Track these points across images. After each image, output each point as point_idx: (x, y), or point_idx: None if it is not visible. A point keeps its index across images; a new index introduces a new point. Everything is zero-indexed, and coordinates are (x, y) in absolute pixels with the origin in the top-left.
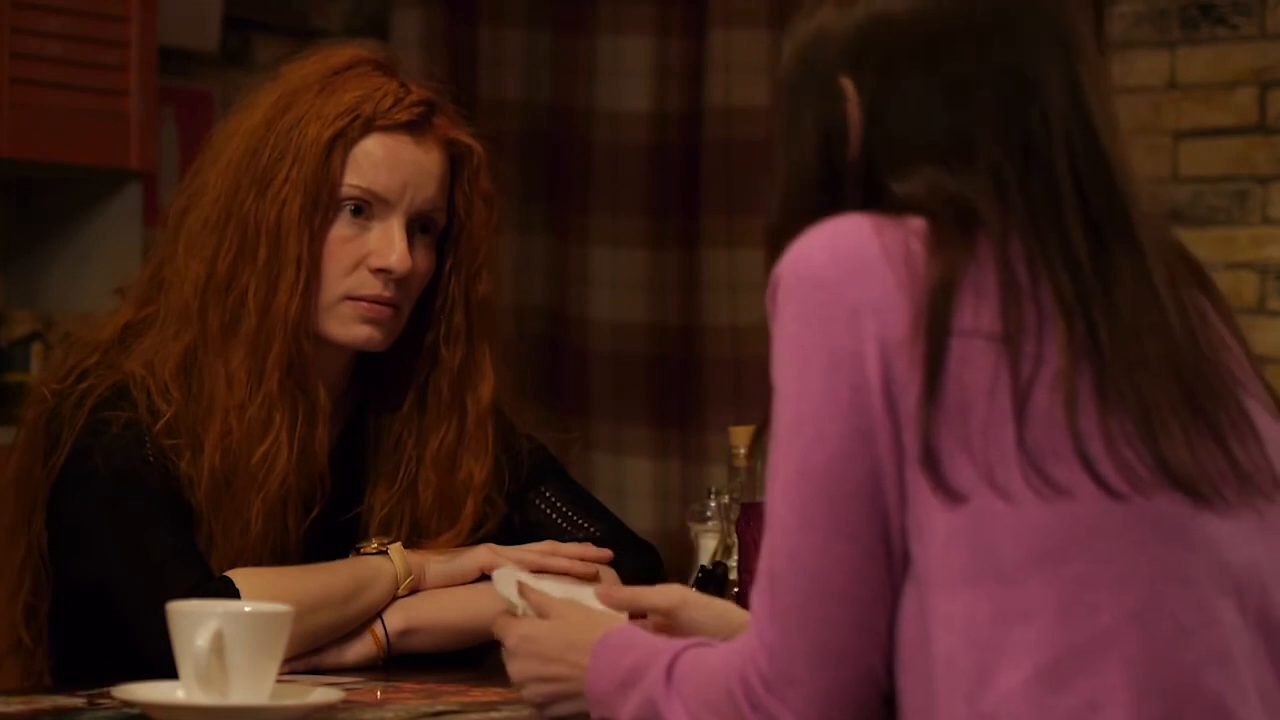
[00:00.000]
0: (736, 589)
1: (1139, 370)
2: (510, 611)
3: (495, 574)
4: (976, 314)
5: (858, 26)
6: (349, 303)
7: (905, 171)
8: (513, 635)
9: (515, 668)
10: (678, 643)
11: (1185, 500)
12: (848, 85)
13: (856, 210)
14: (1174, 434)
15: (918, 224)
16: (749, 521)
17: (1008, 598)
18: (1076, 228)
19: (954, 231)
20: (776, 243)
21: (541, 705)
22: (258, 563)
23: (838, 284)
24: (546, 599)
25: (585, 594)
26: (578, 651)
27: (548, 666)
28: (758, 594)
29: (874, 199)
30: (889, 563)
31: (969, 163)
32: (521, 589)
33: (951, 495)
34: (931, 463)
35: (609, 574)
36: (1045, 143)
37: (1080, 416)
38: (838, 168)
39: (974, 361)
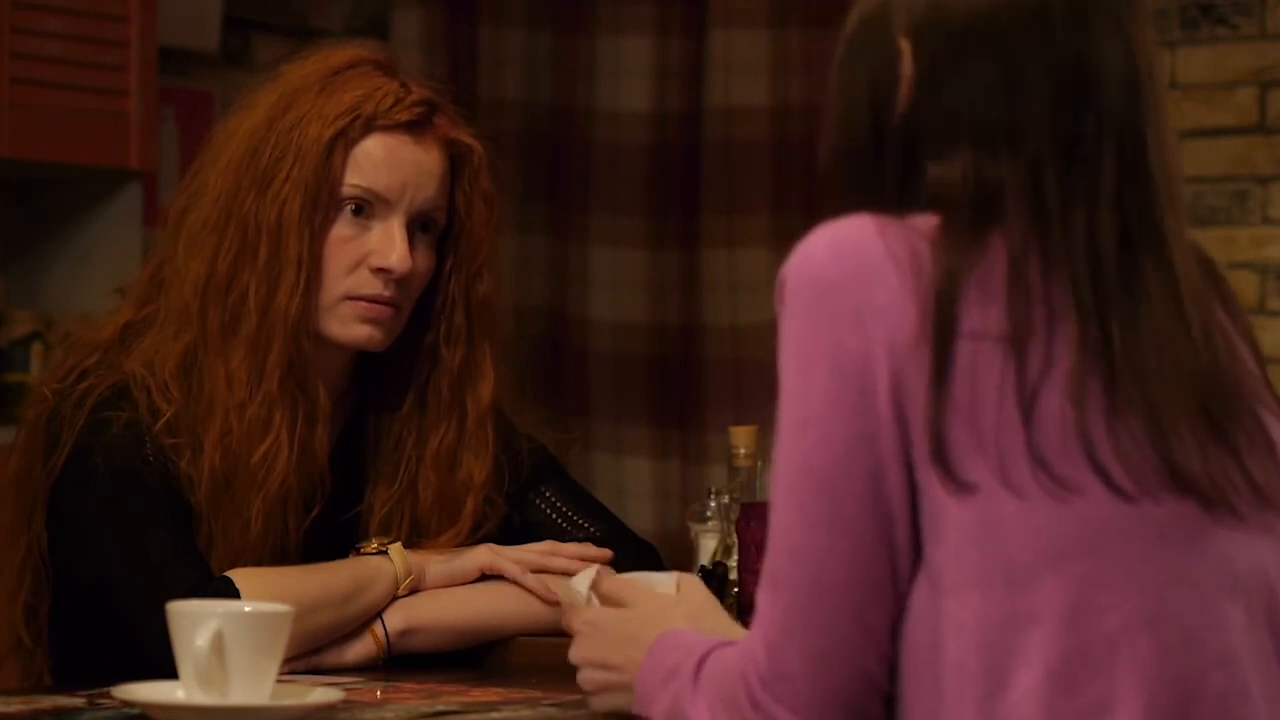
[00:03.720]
0: (736, 589)
1: (1152, 379)
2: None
3: (575, 580)
4: (985, 315)
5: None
6: (349, 302)
7: (946, 145)
8: (579, 619)
9: (576, 650)
10: (712, 641)
11: (1195, 507)
12: (905, 46)
13: (893, 176)
14: (1186, 440)
15: (924, 223)
16: (749, 521)
17: (1017, 600)
18: (1108, 233)
19: (965, 229)
20: (829, 200)
21: (592, 691)
22: (258, 563)
23: (842, 285)
24: (624, 586)
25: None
26: (635, 646)
27: (605, 655)
28: (760, 591)
29: (908, 169)
30: (892, 565)
31: (1013, 150)
32: (596, 582)
33: (963, 489)
34: (943, 459)
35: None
36: (1095, 143)
37: (1089, 417)
38: (883, 128)
39: (984, 364)
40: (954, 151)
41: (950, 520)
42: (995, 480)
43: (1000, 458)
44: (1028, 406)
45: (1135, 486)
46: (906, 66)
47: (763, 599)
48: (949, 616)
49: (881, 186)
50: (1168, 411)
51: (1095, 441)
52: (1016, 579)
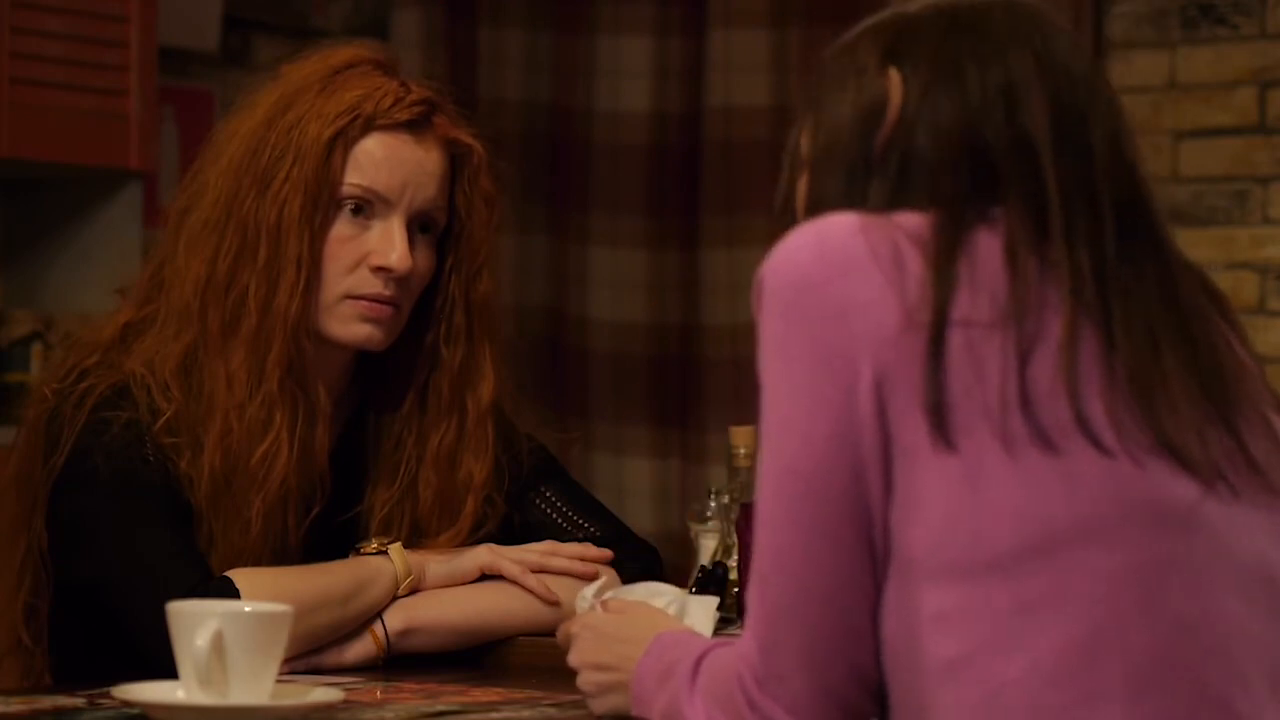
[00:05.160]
0: (736, 589)
1: (1149, 361)
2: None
3: (586, 588)
4: (974, 303)
5: (916, 14)
6: (349, 302)
7: (942, 164)
8: (577, 623)
9: (573, 653)
10: (710, 641)
11: (1192, 486)
12: (894, 75)
13: (881, 193)
14: (1182, 417)
15: (907, 220)
16: (749, 521)
17: (1004, 591)
18: (1109, 241)
19: (955, 227)
20: (791, 221)
21: (591, 694)
22: (257, 562)
23: (824, 284)
24: (622, 602)
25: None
26: (631, 645)
27: (600, 655)
28: (750, 592)
29: (897, 184)
30: (874, 564)
31: (1014, 168)
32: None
33: (955, 453)
34: (939, 425)
35: (609, 574)
36: (1089, 157)
37: (1082, 392)
38: (870, 154)
39: (975, 347)
40: (950, 167)
41: (933, 506)
42: (990, 450)
43: (991, 429)
44: (1019, 379)
45: (1127, 454)
46: (895, 94)
47: (752, 597)
48: (925, 607)
49: (868, 197)
50: (1164, 390)
51: (1089, 415)
52: (1003, 569)
